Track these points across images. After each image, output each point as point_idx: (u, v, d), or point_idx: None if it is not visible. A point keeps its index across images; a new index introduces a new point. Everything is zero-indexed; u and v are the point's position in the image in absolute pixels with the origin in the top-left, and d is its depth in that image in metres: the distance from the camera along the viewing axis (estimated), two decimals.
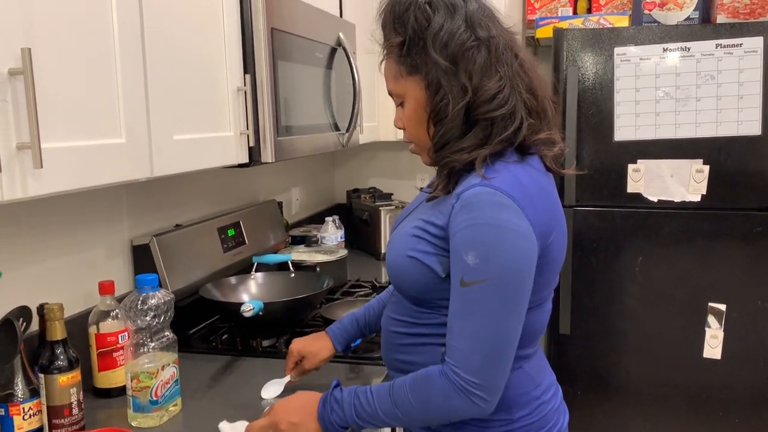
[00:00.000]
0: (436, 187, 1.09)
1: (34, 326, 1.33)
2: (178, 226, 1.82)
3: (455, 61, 1.04)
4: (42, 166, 0.91)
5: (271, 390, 1.39)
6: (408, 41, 1.06)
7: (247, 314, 1.54)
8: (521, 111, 1.05)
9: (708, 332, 2.25)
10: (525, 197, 1.01)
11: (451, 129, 1.05)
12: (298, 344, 1.40)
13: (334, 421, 1.08)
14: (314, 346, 1.39)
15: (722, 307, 2.23)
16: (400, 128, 1.16)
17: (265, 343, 1.67)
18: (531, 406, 1.12)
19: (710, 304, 2.24)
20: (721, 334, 2.24)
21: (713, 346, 2.25)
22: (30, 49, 0.89)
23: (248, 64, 1.52)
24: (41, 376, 1.19)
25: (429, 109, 1.07)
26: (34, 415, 1.20)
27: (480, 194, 0.99)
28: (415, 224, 1.09)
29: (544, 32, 2.53)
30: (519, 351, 1.07)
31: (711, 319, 2.24)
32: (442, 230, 1.04)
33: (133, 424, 1.26)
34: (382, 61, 1.14)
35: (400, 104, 1.13)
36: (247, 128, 1.52)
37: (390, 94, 1.14)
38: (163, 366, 1.26)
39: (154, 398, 1.25)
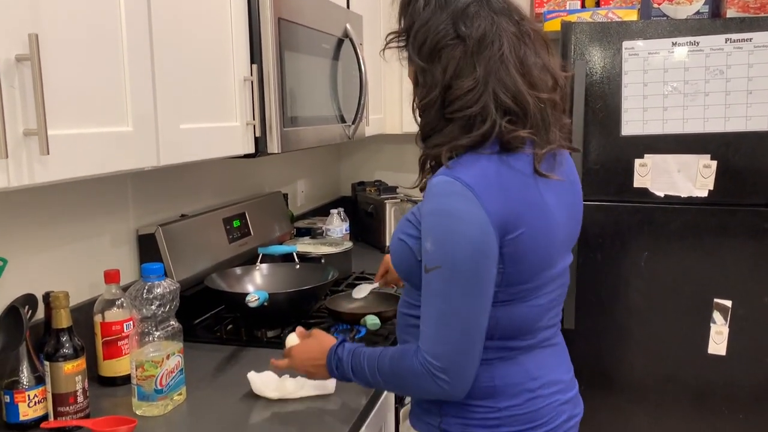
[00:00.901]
0: (419, 180, 1.15)
1: (40, 314, 1.34)
2: (183, 216, 1.82)
3: (431, 59, 1.07)
4: (48, 153, 0.91)
5: (361, 291, 1.72)
6: (405, 32, 1.13)
7: (252, 305, 1.54)
8: (493, 110, 1.04)
9: (713, 328, 2.24)
10: (485, 188, 1.01)
11: (431, 121, 1.10)
12: (388, 256, 1.54)
13: (340, 376, 1.19)
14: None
15: (728, 303, 2.22)
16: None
17: (270, 333, 1.67)
18: (521, 398, 1.12)
19: (716, 300, 2.23)
20: (726, 330, 2.23)
21: (718, 342, 2.24)
22: (37, 35, 0.89)
23: (255, 54, 1.51)
24: (46, 363, 1.19)
25: (412, 99, 1.14)
26: (39, 402, 1.20)
27: (439, 183, 1.03)
28: (413, 209, 1.14)
29: (552, 26, 2.51)
30: (507, 343, 1.11)
31: (716, 315, 2.23)
32: (420, 213, 1.08)
33: (137, 412, 1.26)
34: (385, 47, 1.19)
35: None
36: (254, 118, 1.52)
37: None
38: (168, 355, 1.27)
39: (159, 387, 1.25)
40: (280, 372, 1.38)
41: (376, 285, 1.72)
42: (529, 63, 1.07)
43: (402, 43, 1.15)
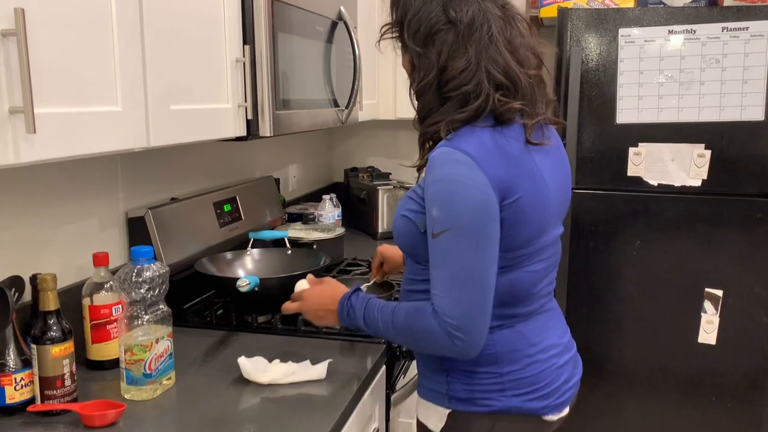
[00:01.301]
0: (419, 158, 1.22)
1: (27, 297, 1.32)
2: (173, 200, 1.79)
3: (425, 44, 1.16)
4: (35, 132, 0.88)
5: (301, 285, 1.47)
6: (398, 23, 1.21)
7: (242, 289, 1.53)
8: (487, 85, 1.12)
9: (704, 317, 2.25)
10: (483, 155, 1.09)
11: (428, 103, 1.18)
12: (381, 247, 1.66)
13: (349, 323, 1.26)
14: (393, 249, 1.64)
15: (719, 292, 2.22)
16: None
17: (261, 319, 1.66)
18: (522, 363, 1.20)
19: (707, 289, 2.24)
20: (716, 319, 2.24)
21: (708, 331, 2.25)
22: (23, 9, 0.86)
23: (248, 35, 1.49)
24: (33, 346, 1.17)
25: (409, 84, 1.22)
26: (26, 385, 1.18)
27: (440, 154, 1.10)
28: (414, 187, 1.22)
29: (548, 12, 2.49)
30: (506, 310, 1.19)
31: (707, 305, 2.24)
32: (421, 189, 1.16)
33: (126, 396, 1.25)
34: (380, 38, 1.28)
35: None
36: (246, 100, 1.50)
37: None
38: (158, 339, 1.25)
39: (148, 371, 1.24)
40: (270, 357, 1.38)
41: (371, 282, 1.69)
42: (516, 43, 1.16)
43: (395, 34, 1.23)
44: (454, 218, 1.08)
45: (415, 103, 1.22)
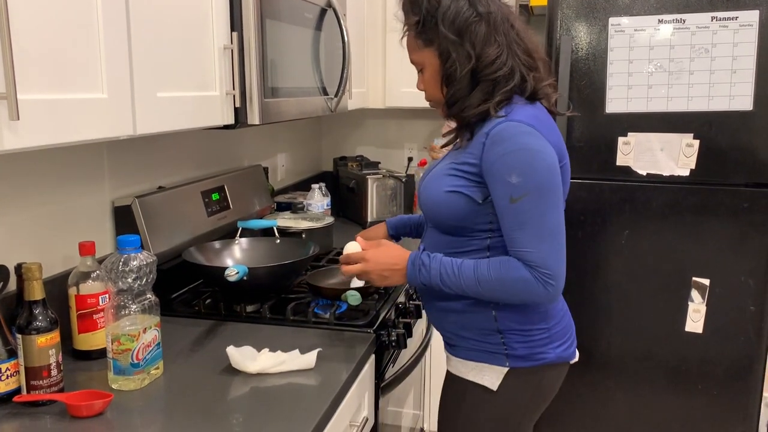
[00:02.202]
0: (460, 140, 1.35)
1: (12, 286, 1.30)
2: (161, 188, 1.78)
3: (461, 34, 1.28)
4: (18, 118, 0.87)
5: (353, 247, 1.44)
6: (422, 20, 1.31)
7: (231, 278, 1.52)
8: (520, 69, 1.31)
9: (691, 306, 2.26)
10: (542, 126, 1.26)
11: (460, 89, 1.31)
12: (360, 233, 1.69)
13: (420, 281, 1.34)
14: (372, 229, 1.74)
15: (706, 281, 2.24)
16: (421, 90, 1.40)
17: (249, 308, 1.65)
18: (559, 315, 1.40)
19: (694, 278, 2.25)
20: (703, 308, 2.25)
21: (695, 320, 2.27)
22: None
23: (236, 22, 1.47)
24: (19, 336, 1.16)
25: (442, 73, 1.32)
26: (11, 376, 1.17)
27: (507, 128, 1.24)
28: (448, 166, 1.33)
29: (539, 0, 2.48)
30: None
31: (694, 293, 2.25)
32: (475, 166, 1.27)
33: (113, 386, 1.24)
34: (402, 37, 1.38)
35: (420, 71, 1.38)
36: (234, 88, 1.48)
37: (412, 62, 1.39)
38: (145, 329, 1.24)
39: (135, 361, 1.23)
40: (260, 346, 1.37)
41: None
42: (528, 33, 1.35)
43: (416, 31, 1.33)
44: (534, 182, 1.22)
45: (444, 88, 1.33)
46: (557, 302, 1.40)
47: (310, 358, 1.33)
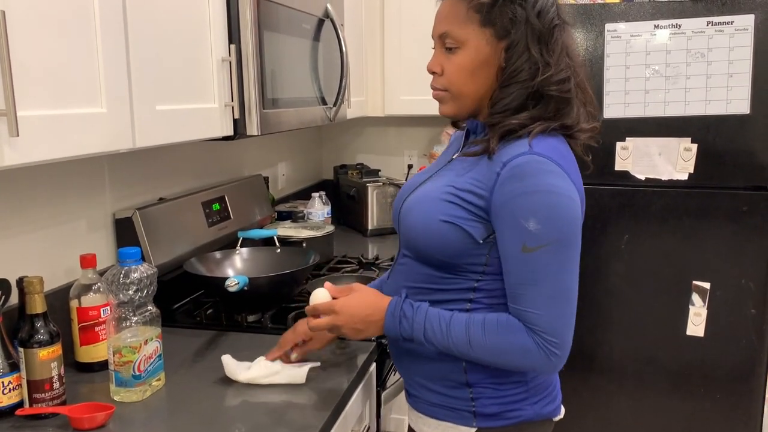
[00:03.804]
0: (491, 149, 1.09)
1: (14, 300, 1.31)
2: (161, 200, 1.79)
3: (549, 32, 1.08)
4: (18, 135, 0.88)
5: (320, 296, 1.23)
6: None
7: (231, 289, 1.52)
8: (577, 98, 1.12)
9: (692, 310, 2.27)
10: (567, 165, 1.07)
11: (518, 95, 1.09)
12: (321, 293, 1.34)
13: (401, 335, 1.14)
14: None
15: (706, 285, 2.24)
16: (435, 72, 1.16)
17: (251, 318, 1.66)
18: None
19: (695, 282, 2.25)
20: (704, 312, 2.26)
21: (696, 323, 2.27)
22: (4, 11, 0.85)
23: (233, 34, 1.48)
24: (21, 350, 1.16)
25: (496, 67, 1.10)
26: (14, 389, 1.18)
27: (530, 162, 1.04)
28: (445, 189, 1.12)
29: None
30: None
31: (695, 297, 2.25)
32: (482, 199, 1.07)
33: (115, 398, 1.24)
34: None
35: (450, 49, 1.12)
36: (232, 100, 1.49)
37: (442, 35, 1.13)
38: (146, 340, 1.25)
39: (137, 373, 1.23)
40: (259, 356, 1.37)
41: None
42: (581, 60, 1.17)
43: (491, 4, 1.08)
44: (555, 232, 1.02)
45: (467, 83, 1.12)
46: None
47: (301, 372, 1.31)
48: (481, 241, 1.09)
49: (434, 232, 1.11)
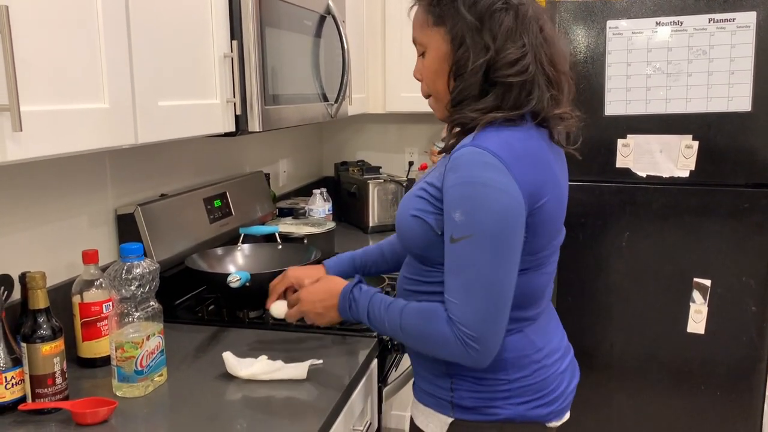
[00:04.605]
0: (447, 147, 1.12)
1: (16, 295, 1.31)
2: (163, 196, 1.79)
3: (481, 20, 1.07)
4: (21, 129, 0.88)
5: (280, 308, 1.39)
6: None
7: (233, 285, 1.53)
8: (541, 82, 1.09)
9: (692, 307, 2.27)
10: (512, 158, 1.03)
11: (470, 86, 1.09)
12: (293, 270, 1.46)
13: (351, 316, 1.21)
14: (308, 272, 1.44)
15: (707, 282, 2.24)
16: (418, 79, 1.20)
17: (252, 314, 1.66)
18: (530, 369, 1.16)
19: (695, 279, 2.25)
20: (705, 309, 2.26)
21: (697, 321, 2.27)
22: (7, 6, 0.86)
23: (235, 30, 1.48)
24: (23, 345, 1.17)
25: (451, 62, 1.11)
26: (16, 384, 1.18)
27: (466, 154, 1.03)
28: (421, 185, 1.15)
29: None
30: (519, 313, 1.14)
31: (696, 294, 2.26)
32: (438, 190, 1.09)
33: (117, 393, 1.25)
34: (412, 7, 1.18)
35: (422, 54, 1.17)
36: (234, 96, 1.49)
37: (414, 41, 1.18)
38: (149, 336, 1.25)
39: (139, 368, 1.24)
40: (262, 352, 1.38)
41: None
42: (557, 41, 1.13)
43: (427, 4, 1.13)
44: (478, 224, 1.02)
45: (452, 82, 1.12)
46: (532, 354, 1.17)
47: (302, 369, 1.31)
48: (440, 233, 1.09)
49: (407, 227, 1.15)
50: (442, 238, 1.09)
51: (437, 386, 1.19)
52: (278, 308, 1.39)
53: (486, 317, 1.04)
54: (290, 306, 1.33)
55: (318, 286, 1.28)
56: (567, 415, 1.26)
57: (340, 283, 1.25)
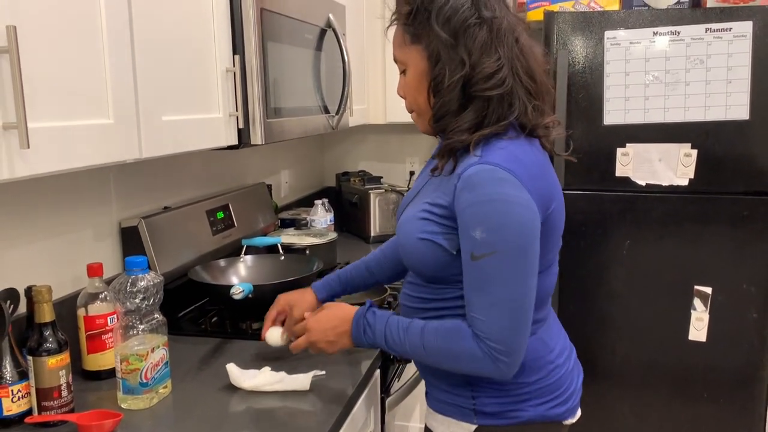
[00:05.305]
0: (440, 168, 1.14)
1: (22, 308, 1.33)
2: (166, 209, 1.80)
3: (456, 36, 1.09)
4: (29, 147, 0.90)
5: (274, 336, 1.40)
6: (414, 11, 1.13)
7: (236, 297, 1.54)
8: (520, 93, 1.10)
9: (694, 315, 2.28)
10: (522, 170, 1.06)
11: (449, 101, 1.11)
12: (284, 296, 1.47)
13: (366, 342, 1.20)
14: (299, 295, 1.46)
15: (708, 290, 2.25)
16: (402, 96, 1.21)
17: (255, 325, 1.67)
18: (546, 370, 1.19)
19: (696, 287, 2.26)
20: (706, 316, 2.26)
21: (698, 328, 2.28)
22: (15, 27, 0.87)
23: (237, 45, 1.50)
24: (30, 358, 1.18)
25: (429, 78, 1.13)
26: (23, 397, 1.19)
27: (480, 172, 1.05)
28: (422, 207, 1.16)
29: (535, 15, 2.51)
30: (534, 316, 1.14)
31: (697, 302, 2.26)
32: (447, 210, 1.10)
33: (123, 406, 1.26)
34: (388, 27, 1.21)
35: (403, 72, 1.19)
36: (237, 110, 1.51)
37: (395, 60, 1.20)
38: (153, 348, 1.26)
39: (144, 380, 1.25)
40: (265, 363, 1.38)
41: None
42: (535, 51, 1.15)
43: (404, 23, 1.15)
44: (502, 241, 1.04)
45: (432, 98, 1.14)
46: (546, 355, 1.20)
47: (305, 380, 1.32)
48: (455, 252, 1.11)
49: (415, 250, 1.15)
50: (456, 257, 1.10)
51: (457, 395, 1.20)
52: (273, 336, 1.39)
53: (513, 331, 1.06)
54: (295, 336, 1.32)
55: (327, 314, 1.26)
56: (579, 413, 1.28)
57: (350, 309, 1.25)
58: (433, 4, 1.10)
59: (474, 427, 1.19)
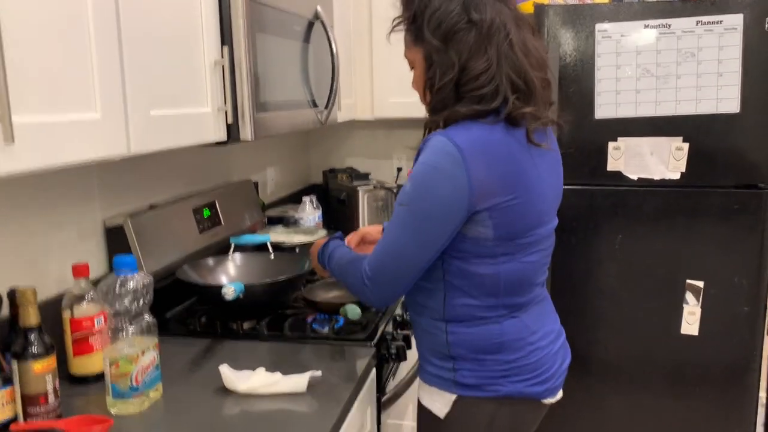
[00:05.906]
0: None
1: (4, 311, 1.27)
2: (152, 207, 1.75)
3: (446, 41, 1.17)
4: (14, 141, 0.85)
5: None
6: (413, 16, 1.23)
7: (228, 297, 1.50)
8: (506, 89, 1.16)
9: (686, 309, 2.27)
10: (475, 152, 1.13)
11: (442, 99, 1.20)
12: (362, 229, 1.69)
13: (324, 263, 1.43)
14: (375, 227, 1.69)
15: (700, 284, 2.24)
16: (415, 90, 1.31)
17: (246, 325, 1.63)
18: (526, 350, 1.27)
19: (688, 281, 2.26)
20: (698, 310, 2.26)
21: (691, 322, 2.27)
22: None
23: (225, 36, 1.46)
24: (14, 363, 1.13)
25: (425, 78, 1.23)
26: (7, 404, 1.14)
27: (435, 141, 1.15)
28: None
29: (525, 8, 2.49)
30: (509, 299, 1.25)
31: (689, 296, 2.26)
32: None
33: (112, 411, 1.21)
34: (391, 31, 1.29)
35: (412, 69, 1.29)
36: (225, 104, 1.47)
37: (405, 57, 1.30)
38: (143, 351, 1.22)
39: (135, 384, 1.20)
40: (257, 364, 1.35)
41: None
42: (529, 46, 1.20)
43: (406, 26, 1.25)
44: (415, 200, 1.16)
45: (428, 96, 1.24)
46: (527, 337, 1.27)
47: (301, 381, 1.29)
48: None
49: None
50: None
51: (441, 367, 1.29)
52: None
53: (384, 267, 1.22)
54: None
55: (315, 243, 1.53)
56: (560, 393, 1.36)
57: (323, 240, 1.48)
58: (426, 10, 1.19)
59: (454, 396, 1.27)
